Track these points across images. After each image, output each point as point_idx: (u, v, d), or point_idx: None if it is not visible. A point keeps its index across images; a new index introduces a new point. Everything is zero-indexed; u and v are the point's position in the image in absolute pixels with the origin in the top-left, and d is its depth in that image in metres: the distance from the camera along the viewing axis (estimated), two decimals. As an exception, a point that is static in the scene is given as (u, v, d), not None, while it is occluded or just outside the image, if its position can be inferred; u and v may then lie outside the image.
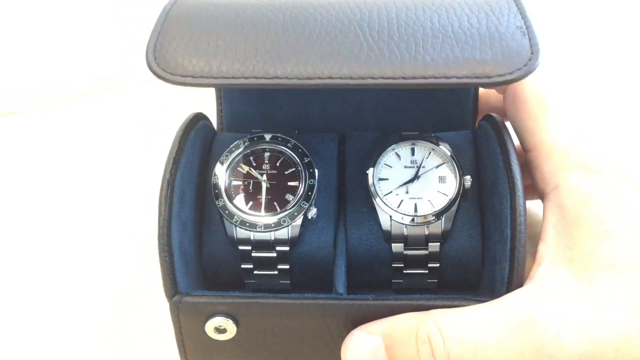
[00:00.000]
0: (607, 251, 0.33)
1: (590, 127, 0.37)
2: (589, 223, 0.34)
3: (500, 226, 0.37)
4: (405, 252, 0.40)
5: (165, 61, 0.34)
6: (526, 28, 0.35)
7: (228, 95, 0.48)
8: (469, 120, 0.47)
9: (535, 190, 0.39)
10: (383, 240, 0.41)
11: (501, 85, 0.34)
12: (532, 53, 0.34)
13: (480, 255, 0.41)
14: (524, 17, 0.36)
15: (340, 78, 0.33)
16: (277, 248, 0.40)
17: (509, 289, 0.36)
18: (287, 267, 0.40)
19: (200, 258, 0.41)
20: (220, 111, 0.47)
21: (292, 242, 0.40)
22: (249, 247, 0.40)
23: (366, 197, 0.41)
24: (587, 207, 0.34)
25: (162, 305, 0.43)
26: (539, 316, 0.33)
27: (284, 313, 0.36)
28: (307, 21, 0.35)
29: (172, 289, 0.36)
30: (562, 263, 0.34)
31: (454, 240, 0.41)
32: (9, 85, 0.62)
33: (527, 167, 0.39)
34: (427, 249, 0.40)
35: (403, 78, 0.33)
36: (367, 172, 0.41)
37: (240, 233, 0.40)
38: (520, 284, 0.35)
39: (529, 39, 0.34)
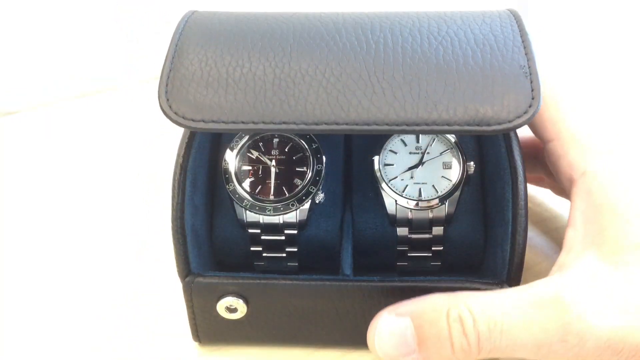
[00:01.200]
0: (637, 233, 0.33)
1: (606, 115, 0.38)
2: (618, 207, 0.34)
3: (502, 210, 0.38)
4: (410, 235, 0.41)
5: (177, 105, 0.35)
6: (529, 68, 0.35)
7: None
8: None
9: (546, 182, 0.39)
10: (388, 225, 0.42)
11: (500, 132, 0.35)
12: (532, 99, 0.34)
13: (482, 239, 0.42)
14: (527, 52, 0.36)
15: (347, 124, 0.34)
16: (286, 231, 0.41)
17: (510, 271, 0.37)
18: (295, 249, 0.41)
19: (211, 240, 0.42)
20: None
21: (300, 225, 0.41)
22: (258, 230, 0.41)
23: (372, 183, 0.42)
24: (616, 191, 0.35)
25: (162, 305, 0.44)
26: (566, 295, 0.33)
27: (293, 293, 0.38)
28: (313, 56, 0.36)
29: (185, 269, 0.38)
30: (592, 248, 0.34)
31: (457, 224, 0.42)
32: (9, 85, 0.62)
33: (543, 159, 0.39)
34: (431, 232, 0.41)
35: (406, 125, 0.34)
36: (373, 158, 0.42)
37: (250, 216, 0.41)
38: (520, 266, 0.37)
39: (531, 82, 0.34)
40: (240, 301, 0.38)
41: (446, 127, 0.34)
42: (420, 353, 0.35)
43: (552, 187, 0.48)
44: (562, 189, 0.46)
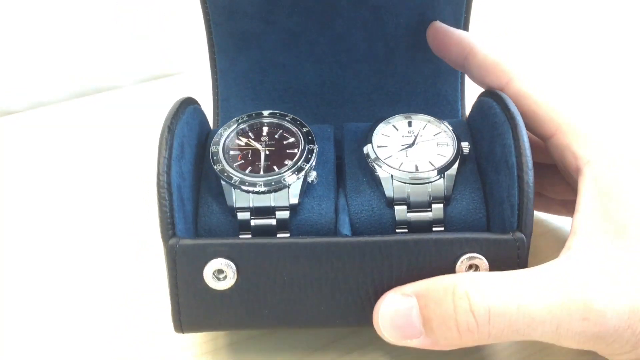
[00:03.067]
0: None
1: (598, 107, 0.39)
2: (625, 192, 0.34)
3: (504, 161, 0.37)
4: (408, 215, 0.39)
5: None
6: None
7: (225, 102, 0.49)
8: (458, 112, 0.48)
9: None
10: (385, 206, 0.40)
11: None
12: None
13: (484, 218, 0.40)
14: None
15: None
16: (277, 213, 0.38)
17: (520, 216, 0.35)
18: (287, 235, 0.39)
19: (196, 228, 0.39)
20: (216, 118, 0.48)
21: (292, 207, 0.39)
22: (248, 214, 0.38)
23: (365, 170, 0.41)
24: (622, 177, 0.35)
25: (162, 305, 0.42)
26: (585, 275, 0.32)
27: (287, 255, 0.34)
28: None
29: (169, 230, 0.34)
30: (599, 232, 0.34)
31: (457, 202, 0.40)
32: (9, 85, 0.62)
33: (552, 154, 0.39)
34: (430, 210, 0.39)
35: None
36: (365, 148, 0.41)
37: (239, 198, 0.38)
38: (531, 212, 0.34)
39: None
40: (231, 264, 0.34)
41: None
42: (426, 336, 0.33)
43: (546, 208, 0.48)
44: (557, 207, 0.46)
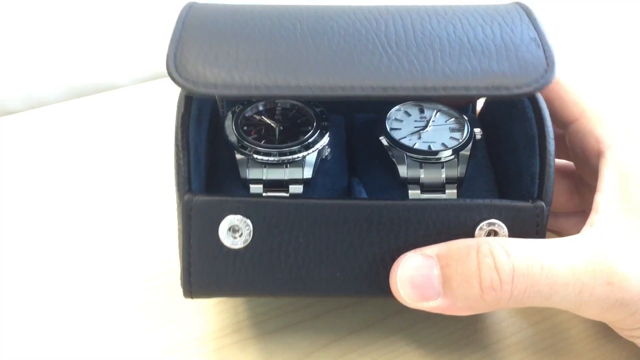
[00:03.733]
0: None
1: (622, 98, 0.41)
2: None
3: (524, 133, 0.37)
4: (422, 196, 0.39)
5: (187, 72, 0.33)
6: (540, 39, 0.36)
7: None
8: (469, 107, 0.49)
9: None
10: (398, 187, 0.39)
11: (520, 97, 0.36)
12: (547, 65, 0.34)
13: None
14: (536, 28, 0.37)
15: (362, 88, 0.33)
16: (290, 187, 0.38)
17: (541, 186, 0.35)
18: None
19: None
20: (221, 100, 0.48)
21: (305, 182, 0.38)
22: (261, 187, 0.38)
23: (378, 151, 0.41)
24: None
25: (162, 305, 0.42)
26: (607, 242, 0.33)
27: (303, 215, 0.34)
28: (324, 31, 0.35)
29: (185, 185, 0.34)
30: (620, 210, 0.34)
31: (471, 185, 0.40)
32: (8, 85, 0.61)
33: (573, 139, 0.40)
34: (444, 192, 0.39)
35: (424, 89, 0.33)
36: (378, 130, 0.41)
37: (253, 170, 0.38)
38: (552, 179, 0.35)
39: (544, 51, 0.35)
40: (247, 221, 0.33)
41: (464, 92, 0.33)
42: (444, 297, 0.33)
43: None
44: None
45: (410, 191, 0.39)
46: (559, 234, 0.45)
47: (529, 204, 0.34)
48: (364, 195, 0.38)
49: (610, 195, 0.35)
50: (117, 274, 0.45)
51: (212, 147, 0.40)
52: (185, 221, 0.33)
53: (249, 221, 0.33)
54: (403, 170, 0.39)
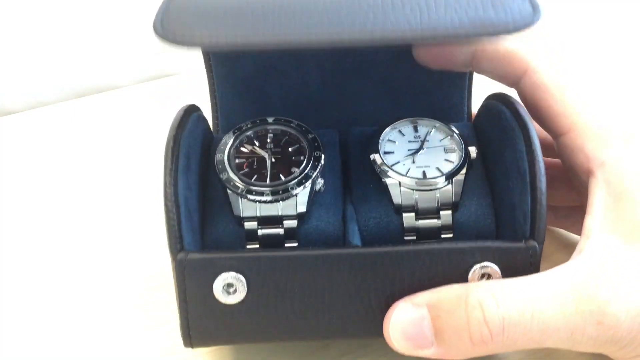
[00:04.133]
0: None
1: (620, 104, 0.38)
2: (636, 195, 0.34)
3: (515, 167, 0.36)
4: (417, 222, 0.39)
5: (174, 27, 0.32)
6: None
7: (224, 109, 0.48)
8: (464, 114, 0.48)
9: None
10: (393, 213, 0.39)
11: (510, 33, 0.34)
12: (532, 8, 0.33)
13: (493, 224, 0.39)
14: None
15: (352, 37, 0.31)
16: (285, 222, 0.38)
17: (533, 224, 0.34)
18: (295, 244, 0.38)
19: (203, 240, 0.39)
20: (215, 111, 0.48)
21: (299, 216, 0.38)
22: (255, 224, 0.38)
23: (372, 177, 0.41)
24: (634, 180, 0.34)
25: (162, 305, 0.42)
26: (596, 277, 0.32)
27: (297, 267, 0.34)
28: None
29: (177, 244, 0.34)
30: (611, 232, 0.34)
31: (466, 209, 0.39)
32: (8, 85, 0.62)
33: (562, 153, 0.39)
34: (439, 217, 0.39)
35: (413, 35, 0.32)
36: (372, 156, 0.41)
37: (246, 207, 0.38)
38: (544, 218, 0.34)
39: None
40: (241, 277, 0.34)
41: (452, 32, 0.32)
42: (438, 346, 0.33)
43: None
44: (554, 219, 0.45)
45: (404, 215, 0.39)
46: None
47: (522, 245, 0.34)
48: (357, 234, 0.38)
49: (601, 219, 0.34)
50: (117, 274, 0.45)
51: (205, 184, 0.40)
52: (179, 279, 0.34)
53: (242, 277, 0.34)
54: (397, 198, 0.39)
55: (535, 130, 0.37)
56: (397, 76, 0.48)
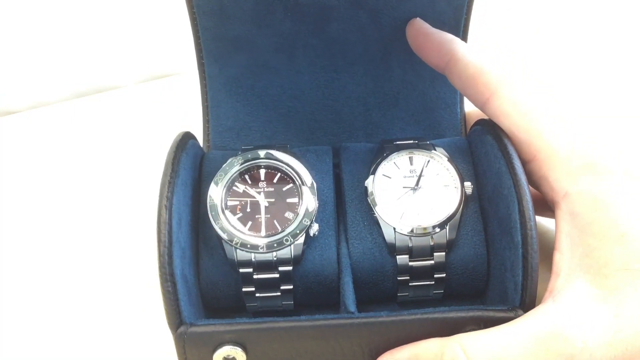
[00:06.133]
0: (624, 255, 0.33)
1: (586, 129, 0.37)
2: (604, 227, 0.33)
3: (508, 231, 0.36)
4: (410, 263, 0.39)
5: None
6: None
7: (215, 108, 0.46)
8: (458, 127, 0.47)
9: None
10: (387, 253, 0.40)
11: None
12: None
13: (485, 262, 0.40)
14: None
15: None
16: (280, 268, 0.38)
17: (523, 297, 0.35)
18: (291, 287, 0.39)
19: (198, 283, 0.39)
20: (207, 125, 0.46)
21: (295, 261, 0.38)
22: (250, 269, 0.38)
23: (366, 210, 0.40)
24: (600, 211, 0.34)
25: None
26: (565, 327, 0.32)
27: (295, 337, 0.35)
28: None
29: (177, 319, 0.35)
30: (581, 272, 0.34)
31: (459, 249, 0.40)
32: (8, 85, 0.61)
33: (530, 179, 0.38)
34: (432, 259, 0.39)
35: None
36: (366, 184, 0.40)
37: (241, 255, 0.38)
38: (534, 291, 0.35)
39: None
40: (239, 350, 0.35)
41: None
42: None
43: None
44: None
45: (398, 257, 0.39)
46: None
47: (511, 315, 0.35)
48: (351, 289, 0.39)
49: (569, 255, 0.34)
50: (117, 273, 0.46)
51: (197, 224, 0.40)
52: (180, 349, 0.35)
53: (240, 349, 0.35)
54: (391, 240, 0.39)
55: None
56: (388, 75, 0.47)
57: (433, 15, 0.43)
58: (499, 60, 0.39)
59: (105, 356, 0.42)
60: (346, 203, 0.41)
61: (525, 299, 0.35)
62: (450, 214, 0.39)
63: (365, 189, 0.40)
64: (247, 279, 0.39)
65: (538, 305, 0.34)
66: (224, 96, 0.46)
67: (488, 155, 0.39)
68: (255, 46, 0.44)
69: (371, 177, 0.40)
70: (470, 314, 0.35)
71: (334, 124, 0.47)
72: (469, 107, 0.47)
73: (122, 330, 0.43)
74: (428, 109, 0.47)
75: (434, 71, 0.45)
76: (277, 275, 0.38)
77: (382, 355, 0.35)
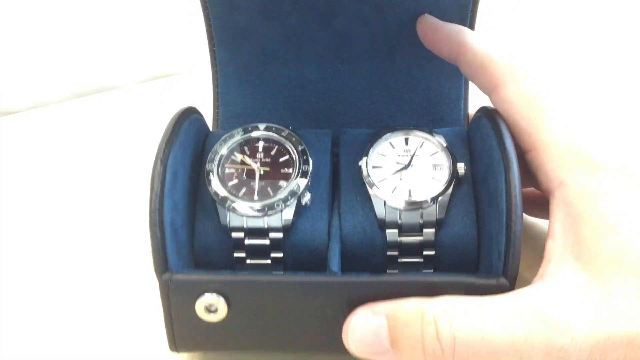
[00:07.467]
0: (614, 246, 0.33)
1: (586, 124, 0.38)
2: (596, 218, 0.34)
3: (495, 202, 0.37)
4: (399, 238, 0.40)
5: None
6: None
7: (225, 95, 0.49)
8: (461, 123, 0.48)
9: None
10: (377, 228, 0.40)
11: None
12: None
13: (475, 242, 0.40)
14: None
15: None
16: (271, 234, 0.39)
17: (506, 264, 0.35)
18: (280, 255, 0.40)
19: (192, 246, 0.40)
20: (216, 110, 0.48)
21: (285, 228, 0.39)
22: (242, 234, 0.39)
23: (360, 187, 0.41)
24: (593, 203, 0.34)
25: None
26: (550, 309, 0.32)
27: (277, 292, 0.35)
28: None
29: (163, 266, 0.36)
30: (571, 259, 0.34)
31: (449, 227, 0.40)
32: (9, 85, 0.62)
33: (527, 170, 0.39)
34: (421, 234, 0.40)
35: None
36: (360, 163, 0.41)
37: (233, 219, 0.39)
38: (517, 259, 0.35)
39: None
40: (222, 300, 0.35)
41: None
42: (394, 354, 0.34)
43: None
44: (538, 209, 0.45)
45: (387, 232, 0.40)
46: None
47: (493, 282, 0.35)
48: (338, 255, 0.39)
49: (562, 242, 0.34)
50: (117, 273, 0.47)
51: (196, 189, 0.41)
52: (164, 297, 0.36)
53: (223, 299, 0.35)
54: (381, 214, 0.40)
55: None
56: (393, 69, 0.48)
57: (438, 10, 0.45)
58: (508, 50, 0.40)
59: (106, 344, 0.43)
60: (341, 180, 0.42)
61: (507, 267, 0.35)
62: (441, 190, 0.40)
63: (360, 166, 0.41)
64: (239, 244, 0.39)
65: (524, 286, 0.34)
66: (234, 83, 0.49)
67: (482, 137, 0.40)
68: (263, 37, 0.47)
69: (366, 155, 0.41)
70: (452, 278, 0.35)
71: (339, 114, 0.49)
72: (473, 104, 0.48)
73: (122, 330, 0.44)
74: (432, 104, 0.48)
75: (438, 66, 0.47)
76: (267, 242, 0.39)
77: (361, 306, 0.35)
